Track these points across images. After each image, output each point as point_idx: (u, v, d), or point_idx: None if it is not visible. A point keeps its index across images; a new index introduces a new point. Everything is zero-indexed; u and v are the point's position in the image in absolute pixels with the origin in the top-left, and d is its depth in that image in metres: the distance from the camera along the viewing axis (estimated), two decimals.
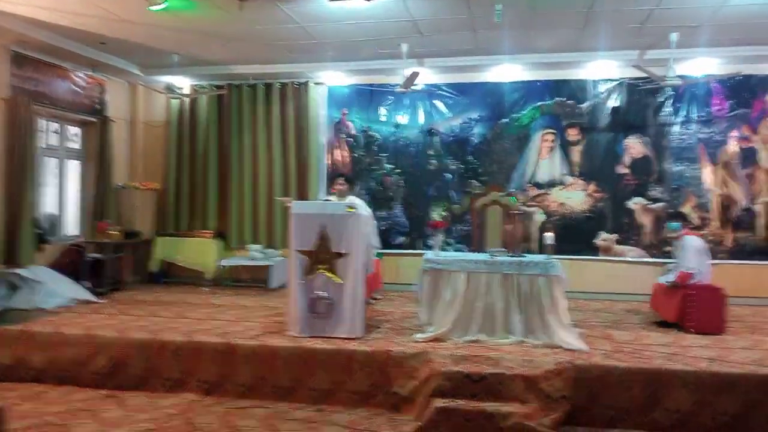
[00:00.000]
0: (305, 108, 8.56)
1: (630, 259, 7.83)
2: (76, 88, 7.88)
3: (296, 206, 5.57)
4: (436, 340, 5.21)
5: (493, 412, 4.26)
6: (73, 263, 7.39)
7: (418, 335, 5.31)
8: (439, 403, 4.37)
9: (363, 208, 5.80)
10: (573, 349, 4.96)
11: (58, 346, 5.35)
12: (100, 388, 5.15)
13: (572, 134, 8.06)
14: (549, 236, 5.53)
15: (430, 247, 7.43)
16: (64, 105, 7.67)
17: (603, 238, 7.92)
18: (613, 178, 7.94)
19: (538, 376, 4.48)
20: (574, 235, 7.79)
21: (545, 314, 5.24)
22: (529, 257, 5.55)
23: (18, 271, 6.55)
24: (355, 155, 8.52)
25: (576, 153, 8.06)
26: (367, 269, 5.74)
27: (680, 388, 4.42)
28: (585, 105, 8.02)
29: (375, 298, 7.18)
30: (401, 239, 8.41)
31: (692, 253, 5.91)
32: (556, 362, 4.60)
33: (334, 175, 7.49)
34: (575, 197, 8.00)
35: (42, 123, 7.56)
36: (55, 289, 6.63)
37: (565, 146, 8.07)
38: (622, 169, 7.93)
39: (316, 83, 8.55)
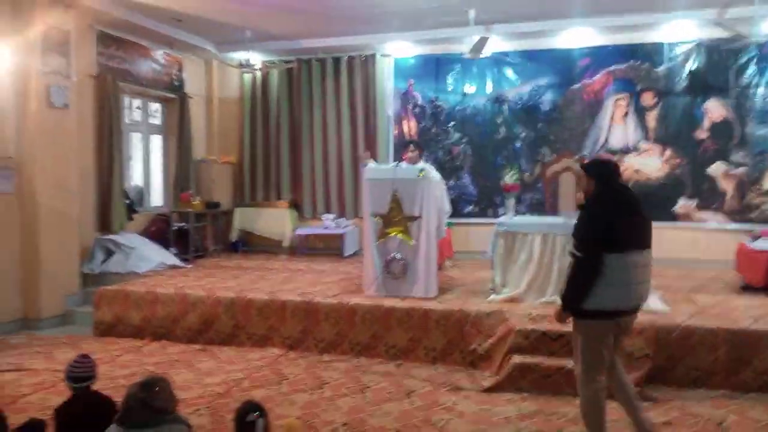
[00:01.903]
0: (372, 80, 8.67)
1: (712, 225, 7.57)
2: (156, 66, 8.27)
3: (369, 171, 5.69)
4: (511, 301, 5.25)
5: (572, 368, 4.28)
6: (160, 231, 7.85)
7: (493, 296, 5.36)
8: (518, 359, 4.43)
9: (433, 172, 5.87)
10: (654, 310, 4.88)
11: (152, 304, 5.74)
12: (193, 343, 5.51)
13: (647, 99, 7.82)
14: None
15: (499, 216, 7.42)
16: (145, 82, 8.07)
17: (682, 204, 7.69)
18: (691, 143, 7.66)
19: None
20: (651, 202, 7.50)
21: None
22: None
23: (112, 237, 7.03)
24: (422, 125, 8.57)
25: (651, 118, 7.82)
26: (439, 233, 5.82)
27: None
28: (660, 68, 7.75)
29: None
30: (470, 208, 8.43)
31: None
32: (636, 322, 4.56)
33: (403, 143, 7.57)
34: (651, 163, 7.79)
35: (126, 100, 8.00)
36: (146, 255, 7.09)
37: (640, 111, 7.85)
38: (701, 134, 7.65)
39: (383, 55, 8.63)
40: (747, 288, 5.82)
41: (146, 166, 8.44)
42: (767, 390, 4.27)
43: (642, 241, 3.12)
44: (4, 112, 5.99)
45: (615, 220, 3.04)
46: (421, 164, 6.17)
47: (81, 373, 2.96)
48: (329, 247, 8.61)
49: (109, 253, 6.96)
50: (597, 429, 3.16)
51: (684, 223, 7.66)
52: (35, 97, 6.11)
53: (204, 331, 5.55)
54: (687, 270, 6.91)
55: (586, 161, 3.73)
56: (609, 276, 2.98)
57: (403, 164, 6.13)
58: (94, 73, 7.15)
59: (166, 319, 5.66)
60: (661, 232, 7.14)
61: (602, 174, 3.24)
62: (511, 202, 6.09)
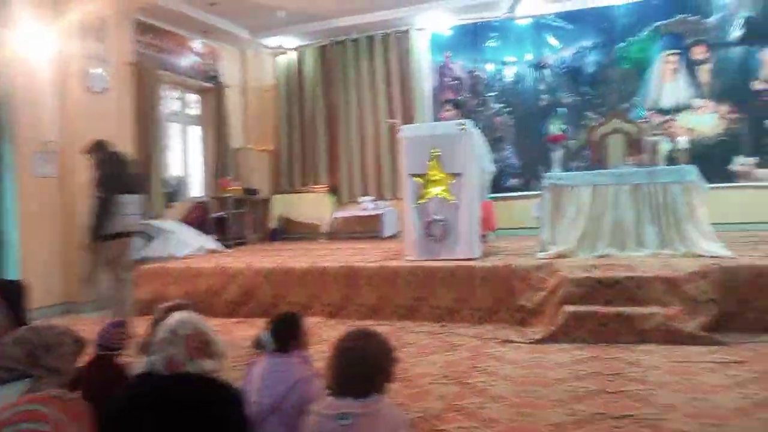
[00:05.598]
0: (408, 55, 8.51)
1: None
2: (194, 56, 8.32)
3: (406, 129, 5.52)
4: (560, 257, 4.95)
5: (632, 314, 3.97)
6: (199, 219, 7.84)
7: (541, 253, 5.07)
8: (571, 309, 4.13)
9: (474, 129, 5.62)
10: (717, 256, 4.51)
11: (193, 278, 5.69)
12: (233, 317, 5.41)
13: (698, 53, 7.36)
14: (683, 140, 5.08)
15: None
16: (182, 72, 8.13)
17: (741, 162, 7.17)
18: (748, 96, 7.15)
19: (680, 279, 4.11)
20: (706, 163, 6.99)
21: (682, 224, 4.82)
22: (661, 167, 5.12)
23: (152, 222, 7.04)
24: (461, 98, 8.31)
25: (704, 73, 7.35)
26: (481, 194, 5.57)
27: None
28: (710, 19, 7.28)
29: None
30: (513, 182, 8.12)
31: None
32: (699, 265, 4.21)
33: (442, 103, 7.34)
34: (705, 121, 7.30)
35: (164, 91, 8.06)
36: (185, 239, 7.06)
37: (691, 66, 7.39)
38: (758, 85, 7.13)
39: (418, 29, 8.45)
40: None
41: (184, 157, 8.48)
42: None
43: (133, 188, 4.78)
44: (47, 97, 6.09)
45: (114, 173, 4.66)
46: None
47: (106, 341, 2.80)
48: (368, 230, 8.43)
49: (149, 239, 6.96)
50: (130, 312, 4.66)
51: (743, 183, 7.12)
52: (75, 81, 6.20)
53: (244, 303, 5.46)
54: (749, 232, 6.35)
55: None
56: (113, 210, 4.56)
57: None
58: (132, 60, 7.23)
59: (207, 293, 5.58)
60: (717, 194, 6.76)
61: (100, 147, 4.75)
62: (557, 154, 5.77)
